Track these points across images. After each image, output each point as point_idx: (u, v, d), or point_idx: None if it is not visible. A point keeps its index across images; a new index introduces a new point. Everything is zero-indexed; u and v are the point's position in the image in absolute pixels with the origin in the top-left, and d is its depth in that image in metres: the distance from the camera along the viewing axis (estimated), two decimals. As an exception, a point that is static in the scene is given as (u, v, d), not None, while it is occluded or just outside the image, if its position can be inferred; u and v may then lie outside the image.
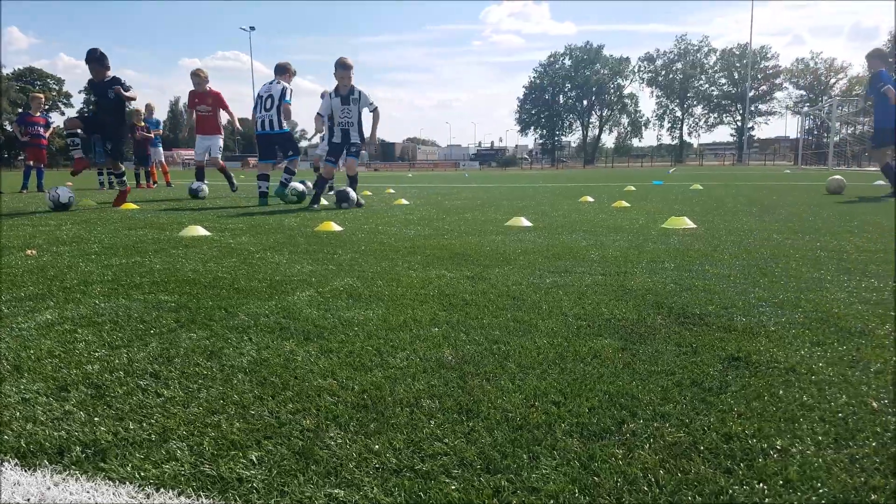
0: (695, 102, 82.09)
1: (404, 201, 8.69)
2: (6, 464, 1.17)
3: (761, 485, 1.07)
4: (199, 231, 4.82)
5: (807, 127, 40.25)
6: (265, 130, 8.60)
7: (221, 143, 10.51)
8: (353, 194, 7.61)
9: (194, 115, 10.15)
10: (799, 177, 17.70)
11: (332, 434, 1.29)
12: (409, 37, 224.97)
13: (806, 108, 51.58)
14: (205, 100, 10.05)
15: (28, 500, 1.05)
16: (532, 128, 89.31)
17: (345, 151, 7.82)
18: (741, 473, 1.11)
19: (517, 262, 3.38)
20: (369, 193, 10.82)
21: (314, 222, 5.73)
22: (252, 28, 69.12)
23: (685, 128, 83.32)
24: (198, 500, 1.05)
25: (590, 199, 8.75)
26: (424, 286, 2.73)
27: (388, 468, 1.15)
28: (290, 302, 2.45)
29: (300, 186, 8.50)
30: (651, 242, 4.12)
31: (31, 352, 1.84)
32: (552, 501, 1.03)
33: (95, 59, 7.39)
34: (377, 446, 1.23)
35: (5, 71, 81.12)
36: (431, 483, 1.09)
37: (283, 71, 8.78)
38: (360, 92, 7.69)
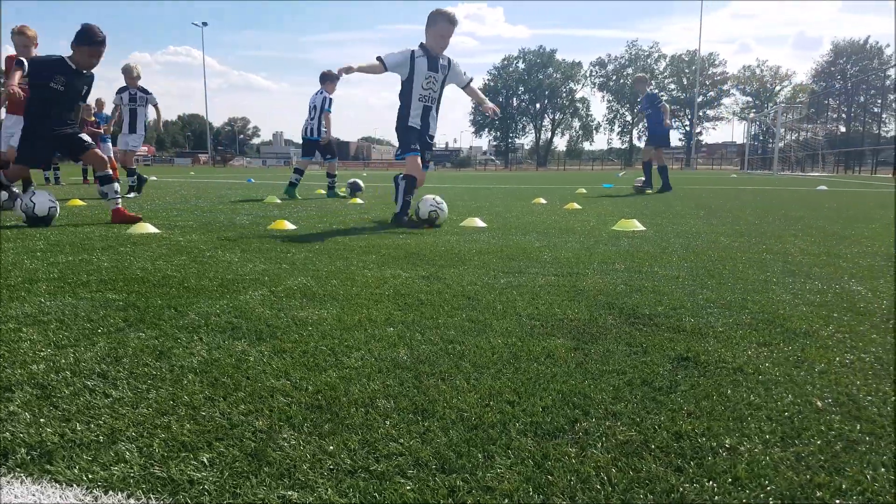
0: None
1: (359, 200, 8.64)
2: (-59, 470, 1.12)
3: (711, 483, 1.11)
4: (148, 228, 4.69)
5: (753, 132, 41.79)
6: (310, 137, 9.74)
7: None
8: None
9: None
10: (745, 181, 18.38)
11: (285, 435, 1.28)
12: (361, 35, 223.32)
13: (752, 114, 53.55)
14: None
15: (-34, 507, 1.01)
16: (486, 129, 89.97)
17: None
18: (691, 472, 1.15)
19: (472, 262, 3.40)
20: (323, 192, 10.70)
21: (266, 220, 5.64)
22: (204, 24, 67.40)
23: (635, 132, 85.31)
24: (147, 502, 1.03)
25: (543, 200, 8.88)
26: (379, 286, 2.73)
27: (343, 469, 1.15)
28: (242, 301, 2.41)
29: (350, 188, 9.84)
30: (602, 244, 4.21)
31: (-32, 352, 1.76)
32: (507, 500, 1.05)
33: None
34: (331, 447, 1.23)
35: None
36: (386, 484, 1.09)
37: (325, 80, 9.59)
38: (449, 59, 5.47)
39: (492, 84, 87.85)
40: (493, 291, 2.63)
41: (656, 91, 11.70)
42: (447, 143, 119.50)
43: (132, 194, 9.08)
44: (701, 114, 76.44)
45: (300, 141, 10.07)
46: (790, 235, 4.74)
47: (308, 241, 4.21)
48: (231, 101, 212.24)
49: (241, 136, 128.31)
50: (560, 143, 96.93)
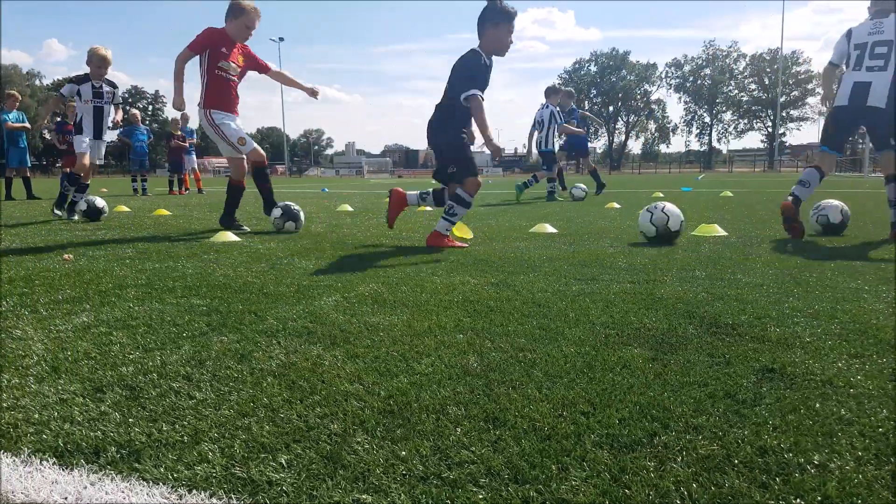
0: (724, 108, 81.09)
1: (427, 208, 8.71)
2: (45, 462, 1.20)
3: (798, 500, 1.04)
4: (230, 237, 4.89)
5: (841, 133, 39.32)
6: (544, 149, 10.58)
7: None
8: None
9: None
10: (833, 184, 17.33)
11: (359, 439, 1.29)
12: (429, 45, 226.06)
13: (840, 114, 50.47)
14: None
15: (66, 498, 1.07)
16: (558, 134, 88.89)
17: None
18: (777, 488, 1.08)
19: (542, 269, 3.36)
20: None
21: (339, 229, 5.78)
22: (281, 39, 69.92)
23: (714, 134, 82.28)
24: (229, 501, 1.06)
25: (616, 205, 8.67)
26: (448, 292, 2.73)
27: (415, 475, 1.15)
28: (316, 307, 2.47)
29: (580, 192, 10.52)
30: (681, 250, 4.06)
31: (68, 353, 1.88)
32: (582, 512, 1.02)
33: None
34: (404, 452, 1.23)
35: (45, 81, 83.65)
36: (458, 491, 1.09)
37: (550, 93, 10.68)
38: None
39: (563, 88, 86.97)
40: (564, 299, 2.59)
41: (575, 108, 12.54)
42: (516, 149, 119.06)
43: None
44: (784, 114, 72.85)
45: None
46: (883, 241, 4.43)
47: (378, 248, 4.28)
48: (306, 113, 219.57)
49: (316, 147, 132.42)
50: (635, 147, 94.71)
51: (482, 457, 1.21)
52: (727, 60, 79.66)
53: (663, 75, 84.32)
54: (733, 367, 1.72)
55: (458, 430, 1.33)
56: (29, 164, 12.49)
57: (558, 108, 10.65)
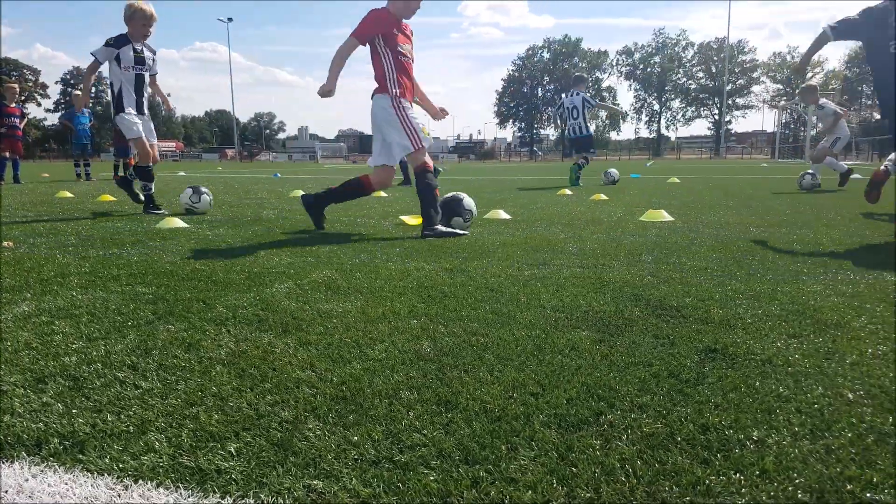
0: (672, 96, 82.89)
1: (383, 194, 8.66)
2: (-20, 458, 1.16)
3: (738, 475, 1.09)
4: (177, 223, 4.76)
5: (784, 121, 40.83)
6: (578, 135, 10.95)
7: None
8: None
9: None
10: (776, 170, 17.99)
11: (310, 426, 1.29)
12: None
13: (783, 102, 52.32)
14: None
15: (6, 491, 1.04)
16: (511, 121, 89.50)
17: None
18: (718, 464, 1.13)
19: (495, 254, 3.39)
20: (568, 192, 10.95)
21: (292, 215, 5.69)
22: (230, 19, 67.87)
23: (663, 121, 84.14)
24: (176, 491, 1.05)
25: (568, 192, 8.80)
26: (403, 278, 2.73)
27: (367, 459, 1.16)
28: (268, 294, 2.44)
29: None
30: (629, 235, 4.16)
31: (9, 343, 1.81)
32: (530, 492, 1.05)
33: None
34: (356, 438, 1.23)
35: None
36: (410, 474, 1.10)
37: (580, 81, 11.41)
38: None
39: (516, 74, 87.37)
40: (517, 283, 2.62)
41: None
42: (471, 135, 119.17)
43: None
44: (730, 102, 74.96)
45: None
46: (822, 225, 4.63)
47: (332, 235, 4.24)
48: (257, 96, 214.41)
49: (268, 131, 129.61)
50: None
51: (434, 439, 1.23)
52: (676, 49, 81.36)
53: (614, 63, 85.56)
54: (677, 347, 1.78)
55: (411, 413, 1.34)
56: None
57: (589, 94, 11.18)
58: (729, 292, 2.43)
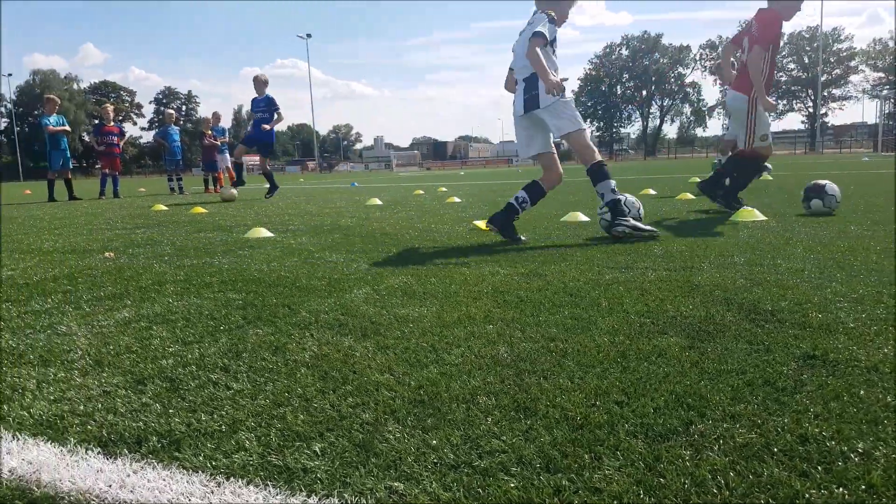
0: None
1: (457, 199, 8.71)
2: (90, 451, 1.24)
3: (841, 490, 1.01)
4: (263, 233, 4.97)
5: (887, 111, 37.96)
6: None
7: None
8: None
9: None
10: (879, 164, 16.72)
11: (390, 428, 1.30)
12: (456, 35, 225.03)
13: (885, 91, 48.64)
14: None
15: (110, 486, 1.11)
16: (588, 120, 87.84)
17: None
18: (819, 477, 1.06)
19: (574, 258, 3.33)
20: (422, 192, 10.90)
21: (369, 223, 5.82)
22: (309, 35, 70.10)
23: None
24: (265, 489, 1.08)
25: (652, 191, 8.54)
26: (478, 283, 2.73)
27: (446, 463, 1.15)
28: (347, 299, 2.50)
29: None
30: (719, 236, 3.98)
31: (111, 347, 1.94)
32: (615, 502, 1.01)
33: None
34: (435, 441, 1.24)
35: (83, 85, 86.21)
36: (490, 480, 1.09)
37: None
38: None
39: (593, 73, 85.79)
40: (597, 288, 2.56)
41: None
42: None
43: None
44: (825, 94, 70.52)
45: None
46: (935, 222, 4.26)
47: (407, 241, 4.30)
48: (335, 108, 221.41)
49: (345, 142, 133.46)
50: (670, 131, 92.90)
51: (513, 446, 1.21)
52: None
53: (697, 57, 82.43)
54: (773, 354, 1.68)
55: (489, 419, 1.33)
56: (70, 167, 12.81)
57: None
58: (829, 295, 2.28)
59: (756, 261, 3.04)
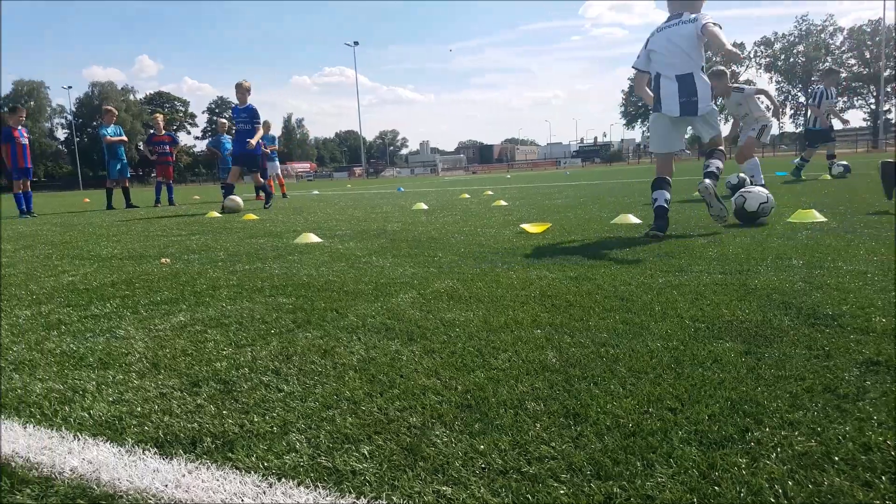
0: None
1: (503, 203, 8.67)
2: (147, 452, 1.28)
3: (910, 502, 0.96)
4: (312, 238, 5.06)
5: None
6: (812, 127, 11.69)
7: None
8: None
9: None
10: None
11: (437, 432, 1.30)
12: (501, 37, 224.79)
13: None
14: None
15: (166, 485, 1.14)
16: (639, 120, 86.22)
17: None
18: (883, 487, 1.00)
19: (625, 261, 3.27)
20: (467, 196, 10.90)
21: (415, 228, 5.85)
22: (356, 43, 71.05)
23: (810, 114, 77.16)
24: (315, 490, 1.10)
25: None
26: (525, 287, 2.70)
27: (494, 469, 1.14)
28: (394, 304, 2.51)
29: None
30: (776, 238, 3.84)
31: (167, 350, 2.00)
32: (668, 510, 0.98)
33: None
34: (482, 446, 1.23)
35: (139, 96, 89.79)
36: (539, 486, 1.07)
37: (831, 73, 12.30)
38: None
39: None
40: (650, 292, 2.50)
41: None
42: (595, 138, 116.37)
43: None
44: (889, 89, 67.33)
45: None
46: None
47: (453, 245, 4.30)
48: (381, 114, 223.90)
49: (391, 147, 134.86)
50: (723, 129, 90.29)
51: (563, 452, 1.19)
52: (822, 35, 74.47)
53: (752, 55, 79.93)
54: (833, 359, 1.61)
55: (538, 425, 1.32)
56: (128, 175, 13.29)
57: (831, 89, 11.39)
58: (893, 299, 2.17)
59: (816, 263, 2.92)
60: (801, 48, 74.97)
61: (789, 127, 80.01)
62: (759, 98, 8.22)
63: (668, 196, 4.41)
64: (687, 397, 1.42)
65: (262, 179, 10.69)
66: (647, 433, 1.25)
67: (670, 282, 2.68)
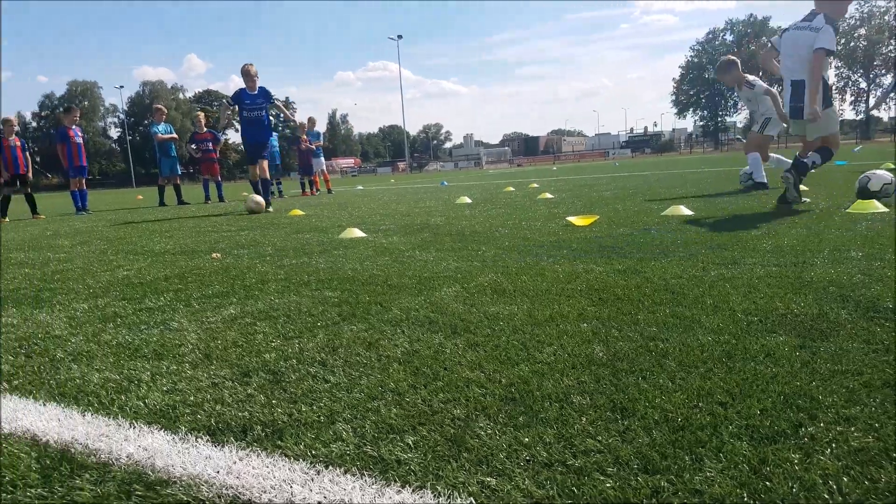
0: (883, 71, 72.27)
1: (549, 195, 8.59)
2: (199, 439, 1.32)
3: (978, 503, 0.92)
4: (356, 233, 5.12)
5: None
6: None
7: None
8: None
9: None
10: None
11: (481, 424, 1.30)
12: (545, 28, 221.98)
13: None
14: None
15: (218, 472, 1.18)
16: (691, 109, 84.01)
17: None
18: (951, 489, 0.96)
19: (676, 253, 3.20)
20: (512, 189, 10.83)
21: (458, 221, 5.85)
22: (399, 37, 71.23)
23: (871, 100, 73.72)
24: (361, 478, 1.12)
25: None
26: (571, 281, 2.68)
27: (539, 461, 1.14)
28: (437, 297, 2.52)
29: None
30: (834, 229, 3.70)
31: (219, 342, 2.06)
32: (718, 506, 0.96)
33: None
34: (527, 439, 1.22)
35: (188, 95, 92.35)
36: (585, 479, 1.06)
37: None
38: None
39: (696, 60, 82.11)
40: (701, 285, 2.45)
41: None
42: (645, 128, 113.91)
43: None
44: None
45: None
46: None
47: (497, 239, 4.29)
48: (425, 108, 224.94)
49: (435, 141, 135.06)
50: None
51: (609, 446, 1.18)
52: (885, 18, 70.95)
53: (808, 39, 76.69)
54: (893, 354, 1.54)
55: (583, 419, 1.30)
56: (179, 172, 13.63)
57: None
58: (964, 291, 2.06)
59: (875, 255, 2.80)
60: (862, 31, 71.59)
61: (849, 114, 76.60)
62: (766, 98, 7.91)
63: (813, 160, 5.08)
64: (738, 392, 1.38)
65: (264, 175, 9.29)
66: (697, 427, 1.22)
67: (723, 274, 2.61)
